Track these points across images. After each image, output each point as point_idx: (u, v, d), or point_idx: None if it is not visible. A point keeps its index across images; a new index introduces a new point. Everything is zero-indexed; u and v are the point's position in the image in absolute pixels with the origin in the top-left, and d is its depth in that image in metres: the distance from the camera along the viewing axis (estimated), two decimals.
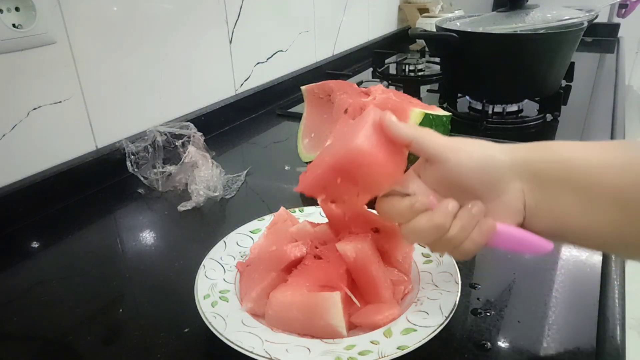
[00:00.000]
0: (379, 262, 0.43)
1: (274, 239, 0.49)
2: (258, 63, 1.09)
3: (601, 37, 1.67)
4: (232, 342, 0.38)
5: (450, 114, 0.72)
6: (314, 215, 0.56)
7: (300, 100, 0.84)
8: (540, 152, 0.36)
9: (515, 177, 0.36)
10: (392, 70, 1.32)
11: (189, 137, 0.75)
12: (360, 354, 0.37)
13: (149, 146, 0.74)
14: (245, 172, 0.76)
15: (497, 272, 0.52)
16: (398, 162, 0.39)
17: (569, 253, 0.54)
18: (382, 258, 0.44)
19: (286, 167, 0.81)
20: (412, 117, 0.66)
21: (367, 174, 0.37)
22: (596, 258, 0.53)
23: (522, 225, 0.37)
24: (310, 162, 0.71)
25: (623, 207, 0.33)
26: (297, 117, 0.86)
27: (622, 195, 0.33)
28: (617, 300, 0.45)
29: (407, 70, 1.24)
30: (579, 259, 0.53)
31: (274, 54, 1.14)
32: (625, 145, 0.37)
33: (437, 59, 1.28)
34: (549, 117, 0.96)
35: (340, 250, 0.42)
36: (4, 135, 0.63)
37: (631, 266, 0.60)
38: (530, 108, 1.00)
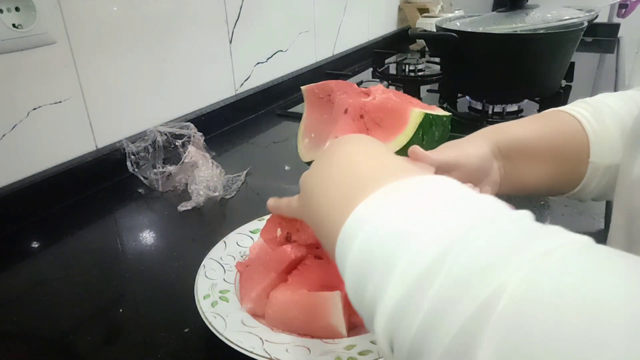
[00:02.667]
0: None
1: None
2: (258, 63, 1.09)
3: (601, 37, 1.67)
4: (232, 342, 0.38)
5: (450, 114, 0.72)
6: None
7: (300, 100, 0.85)
8: (501, 135, 0.48)
9: (494, 158, 0.48)
10: (392, 70, 1.32)
11: (189, 137, 0.75)
12: (360, 354, 0.37)
13: (149, 146, 0.74)
14: (245, 172, 0.76)
15: None
16: None
17: None
18: None
19: (286, 167, 0.81)
20: (412, 117, 0.66)
21: None
22: None
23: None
24: (311, 162, 0.71)
25: (555, 162, 0.47)
26: (297, 117, 0.86)
27: (554, 153, 0.47)
28: None
29: (407, 70, 1.24)
30: None
31: (274, 54, 1.14)
32: (551, 116, 0.50)
33: (437, 59, 1.28)
34: None
35: None
36: (4, 135, 0.63)
37: None
38: (530, 108, 1.00)
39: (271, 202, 0.45)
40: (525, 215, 0.23)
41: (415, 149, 0.46)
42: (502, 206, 0.24)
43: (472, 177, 0.46)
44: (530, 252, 0.19)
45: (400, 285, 0.21)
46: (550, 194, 0.53)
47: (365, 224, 0.24)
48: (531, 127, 0.50)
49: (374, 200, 0.25)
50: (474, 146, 0.47)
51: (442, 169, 0.45)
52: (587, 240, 0.21)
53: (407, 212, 0.23)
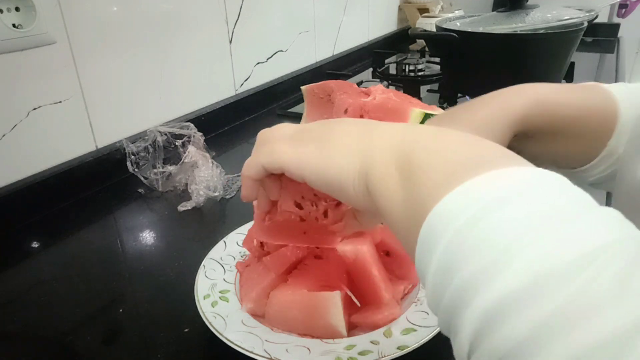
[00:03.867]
0: (379, 264, 0.43)
1: None
2: (258, 63, 1.09)
3: (601, 37, 1.67)
4: (232, 342, 0.38)
5: None
6: None
7: (300, 100, 0.84)
8: (539, 118, 0.43)
9: (510, 137, 0.42)
10: (392, 70, 1.32)
11: (189, 137, 0.75)
12: (360, 354, 0.37)
13: (149, 146, 0.74)
14: None
15: None
16: None
17: None
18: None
19: None
20: (412, 117, 0.66)
21: None
22: None
23: None
24: None
25: (576, 139, 0.43)
26: (297, 117, 0.86)
27: (581, 132, 0.42)
28: None
29: (407, 70, 1.24)
30: None
31: (274, 54, 1.14)
32: (589, 88, 0.45)
33: (437, 59, 1.28)
34: None
35: (340, 251, 0.42)
36: (4, 135, 0.63)
37: None
38: None
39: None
40: None
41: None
42: (621, 221, 0.20)
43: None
44: None
45: (522, 275, 0.17)
46: (555, 165, 0.48)
47: (479, 202, 0.20)
48: (563, 92, 0.44)
49: (488, 180, 0.21)
50: (491, 133, 0.41)
51: None
52: None
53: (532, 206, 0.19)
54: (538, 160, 0.50)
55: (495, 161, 0.22)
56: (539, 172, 0.21)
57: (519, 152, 0.27)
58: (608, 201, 0.59)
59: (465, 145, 0.25)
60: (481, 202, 0.20)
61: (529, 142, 0.44)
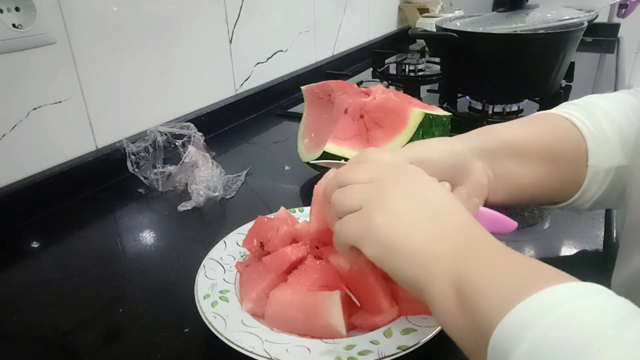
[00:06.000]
0: (375, 270, 0.41)
1: None
2: (258, 63, 1.09)
3: (601, 37, 1.67)
4: (232, 342, 0.38)
5: (450, 114, 0.72)
6: None
7: (300, 100, 0.84)
8: (486, 136, 0.46)
9: (476, 158, 0.45)
10: (392, 70, 1.32)
11: (189, 137, 0.75)
12: (360, 354, 0.37)
13: (149, 146, 0.74)
14: (245, 172, 0.76)
15: None
16: None
17: (571, 246, 0.54)
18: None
19: (286, 167, 0.81)
20: (412, 117, 0.66)
21: None
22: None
23: (488, 200, 0.46)
24: (310, 162, 0.71)
25: (552, 165, 0.45)
26: (297, 117, 0.86)
27: (550, 156, 0.45)
28: None
29: (407, 70, 1.24)
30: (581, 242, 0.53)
31: (274, 54, 1.14)
32: (542, 118, 0.49)
33: (437, 59, 1.28)
34: None
35: (333, 263, 0.42)
36: (4, 135, 0.63)
37: None
38: (530, 108, 1.00)
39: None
40: None
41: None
42: None
43: (445, 175, 0.42)
44: None
45: None
46: (549, 201, 0.49)
47: (543, 316, 0.23)
48: (522, 128, 0.47)
49: (546, 296, 0.24)
50: (443, 143, 0.44)
51: None
52: None
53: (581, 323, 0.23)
54: (534, 202, 0.52)
55: (539, 281, 0.26)
56: (583, 285, 0.25)
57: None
58: (608, 216, 0.59)
59: (514, 267, 0.28)
60: (543, 311, 0.24)
61: (510, 180, 0.46)
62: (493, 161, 0.45)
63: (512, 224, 0.43)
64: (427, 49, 1.35)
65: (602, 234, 0.56)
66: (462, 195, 0.42)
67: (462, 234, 0.32)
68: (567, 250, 0.55)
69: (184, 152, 0.73)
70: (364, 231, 0.34)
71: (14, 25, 0.61)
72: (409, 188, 0.35)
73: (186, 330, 0.45)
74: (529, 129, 0.47)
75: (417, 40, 1.57)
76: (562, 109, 0.48)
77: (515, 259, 0.29)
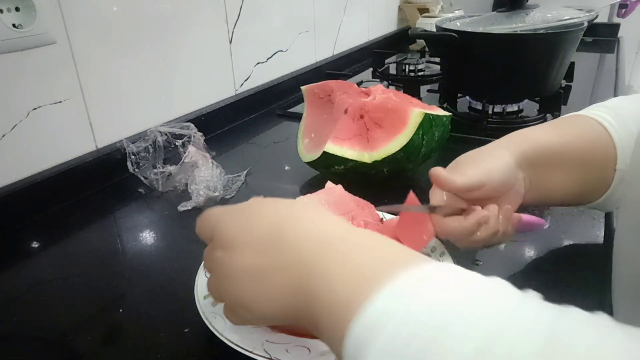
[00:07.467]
0: None
1: None
2: (258, 63, 1.09)
3: (601, 37, 1.67)
4: (232, 342, 0.38)
5: (450, 114, 0.72)
6: None
7: (300, 100, 0.85)
8: (527, 143, 0.46)
9: (520, 170, 0.45)
10: (392, 70, 1.32)
11: (189, 137, 0.75)
12: None
13: (149, 146, 0.74)
14: (245, 172, 0.76)
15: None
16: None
17: (571, 246, 0.54)
18: None
19: (286, 167, 0.81)
20: (412, 117, 0.66)
21: None
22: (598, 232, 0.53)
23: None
24: (311, 162, 0.71)
25: (582, 169, 0.46)
26: (297, 117, 0.86)
27: (582, 160, 0.46)
28: None
29: (407, 70, 1.24)
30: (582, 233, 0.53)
31: (274, 54, 1.14)
32: (574, 120, 0.49)
33: (437, 59, 1.28)
34: (549, 117, 0.96)
35: None
36: (4, 135, 0.63)
37: None
38: (530, 108, 1.00)
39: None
40: (537, 299, 0.23)
41: (438, 173, 0.43)
42: (516, 294, 0.23)
43: (496, 192, 0.44)
44: (561, 347, 0.19)
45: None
46: (575, 204, 0.51)
47: (390, 319, 0.22)
48: (556, 132, 0.47)
49: (393, 294, 0.23)
50: (497, 160, 0.45)
51: (464, 192, 0.43)
52: (606, 320, 0.21)
53: (433, 311, 0.22)
54: (560, 204, 0.53)
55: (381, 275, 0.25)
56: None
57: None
58: (608, 216, 0.59)
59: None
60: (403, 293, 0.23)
61: (543, 188, 0.47)
62: (533, 171, 0.46)
63: (544, 223, 0.48)
64: (427, 49, 1.35)
65: (602, 234, 0.56)
66: (504, 212, 0.44)
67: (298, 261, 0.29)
68: (567, 250, 0.55)
69: (184, 152, 0.73)
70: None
71: (14, 25, 0.61)
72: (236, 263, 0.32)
73: (186, 330, 0.45)
74: (563, 132, 0.47)
75: (417, 40, 1.57)
76: (594, 111, 0.49)
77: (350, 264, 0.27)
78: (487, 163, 0.44)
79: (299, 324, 0.30)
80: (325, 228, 0.30)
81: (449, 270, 0.24)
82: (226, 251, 0.32)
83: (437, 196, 0.44)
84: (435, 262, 0.26)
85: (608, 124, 0.46)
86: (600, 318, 0.21)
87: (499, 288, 0.23)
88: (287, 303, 0.29)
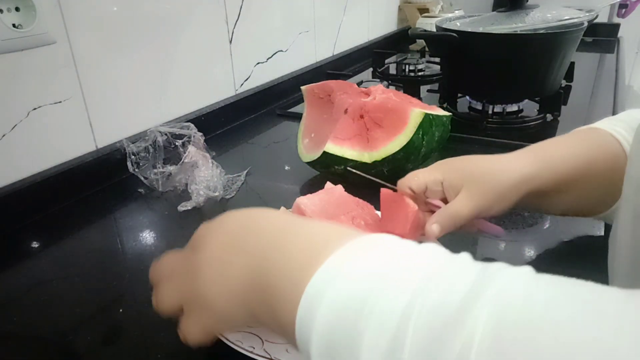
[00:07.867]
0: None
1: None
2: (258, 63, 1.09)
3: (601, 37, 1.67)
4: (232, 342, 0.38)
5: (450, 114, 0.72)
6: None
7: (300, 100, 0.85)
8: (546, 173, 0.45)
9: (525, 188, 0.45)
10: (392, 70, 1.32)
11: (189, 137, 0.75)
12: None
13: (149, 146, 0.74)
14: (245, 172, 0.76)
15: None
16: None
17: (571, 246, 0.54)
18: None
19: (286, 167, 0.81)
20: (412, 117, 0.66)
21: None
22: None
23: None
24: (311, 162, 0.71)
25: (588, 183, 0.46)
26: (297, 117, 0.86)
27: (589, 175, 0.46)
28: None
29: (407, 70, 1.24)
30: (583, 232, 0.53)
31: (274, 54, 1.14)
32: (595, 139, 0.48)
33: (437, 59, 1.28)
34: (549, 117, 0.96)
35: None
36: (4, 135, 0.63)
37: None
38: (530, 108, 1.00)
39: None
40: (467, 258, 0.24)
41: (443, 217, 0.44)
42: (445, 255, 0.25)
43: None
44: (489, 291, 0.20)
45: (372, 354, 0.21)
46: (580, 215, 0.52)
47: (323, 298, 0.24)
48: (578, 155, 0.47)
49: (331, 266, 0.25)
50: (509, 191, 0.45)
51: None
52: (530, 270, 0.22)
53: (359, 279, 0.24)
54: (567, 213, 0.52)
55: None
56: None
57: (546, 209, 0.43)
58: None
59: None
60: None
61: (552, 198, 0.47)
62: (539, 197, 0.46)
63: (502, 231, 0.49)
64: (427, 49, 1.35)
65: (602, 234, 0.56)
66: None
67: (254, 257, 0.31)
68: (567, 250, 0.55)
69: (184, 152, 0.73)
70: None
71: (14, 25, 0.61)
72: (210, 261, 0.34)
73: None
74: (586, 156, 0.47)
75: (417, 40, 1.57)
76: (612, 125, 0.49)
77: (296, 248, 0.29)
78: (499, 192, 0.44)
79: (257, 321, 0.31)
80: (286, 220, 0.32)
81: (383, 238, 0.27)
82: (195, 249, 0.35)
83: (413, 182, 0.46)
84: (372, 234, 0.28)
85: (624, 141, 0.47)
86: (526, 268, 0.22)
87: (429, 249, 0.25)
88: (245, 296, 0.30)
